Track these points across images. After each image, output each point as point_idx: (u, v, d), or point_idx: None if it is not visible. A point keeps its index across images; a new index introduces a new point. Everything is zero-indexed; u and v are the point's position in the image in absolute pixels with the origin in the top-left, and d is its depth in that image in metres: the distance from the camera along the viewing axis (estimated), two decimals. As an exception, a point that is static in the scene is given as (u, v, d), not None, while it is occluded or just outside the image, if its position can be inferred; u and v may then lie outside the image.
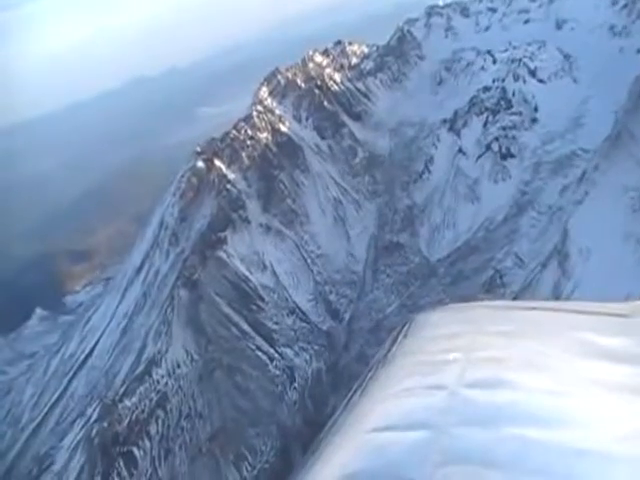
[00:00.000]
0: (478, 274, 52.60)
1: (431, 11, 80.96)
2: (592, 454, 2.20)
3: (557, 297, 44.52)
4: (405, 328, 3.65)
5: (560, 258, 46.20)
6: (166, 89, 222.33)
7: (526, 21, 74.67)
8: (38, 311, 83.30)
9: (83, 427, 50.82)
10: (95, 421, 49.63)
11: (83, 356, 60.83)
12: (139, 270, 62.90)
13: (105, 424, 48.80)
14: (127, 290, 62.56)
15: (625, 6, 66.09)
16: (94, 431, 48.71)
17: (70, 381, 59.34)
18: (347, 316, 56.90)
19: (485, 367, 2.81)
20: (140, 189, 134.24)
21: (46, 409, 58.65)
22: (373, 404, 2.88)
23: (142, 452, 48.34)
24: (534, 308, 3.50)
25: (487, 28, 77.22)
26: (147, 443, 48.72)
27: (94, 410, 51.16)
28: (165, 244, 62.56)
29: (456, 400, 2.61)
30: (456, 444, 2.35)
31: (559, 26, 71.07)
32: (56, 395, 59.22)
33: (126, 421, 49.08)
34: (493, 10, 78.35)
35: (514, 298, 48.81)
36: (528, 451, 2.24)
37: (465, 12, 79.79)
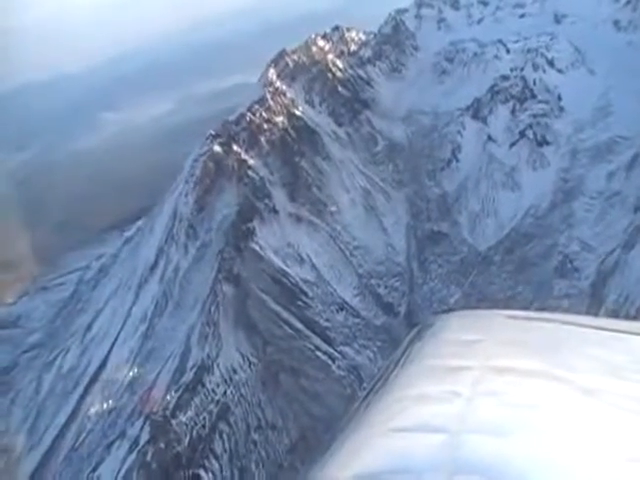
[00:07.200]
0: (545, 260, 50.96)
1: (421, 2, 79.44)
2: (602, 473, 2.25)
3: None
4: (420, 330, 3.71)
5: (650, 239, 45.68)
6: (60, 95, 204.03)
7: (522, 15, 75.17)
8: (-33, 327, 70.93)
9: (131, 450, 42.42)
10: (147, 442, 41.65)
11: (92, 369, 51.66)
12: (153, 267, 54.79)
13: (162, 445, 41.22)
14: (141, 290, 54.20)
15: (629, 2, 68.19)
16: (149, 454, 40.86)
17: (81, 399, 50.05)
18: (402, 309, 52.93)
19: (500, 377, 2.86)
20: (51, 196, 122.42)
21: (52, 434, 49.02)
22: (389, 405, 2.89)
23: (211, 474, 41.27)
24: (551, 320, 3.53)
25: (480, 21, 76.91)
26: (215, 463, 41.67)
27: (141, 430, 43.02)
28: (181, 237, 55.04)
29: (471, 408, 2.63)
30: (470, 453, 2.37)
31: (558, 20, 72.12)
32: (63, 417, 49.71)
33: (186, 440, 41.76)
34: (484, 3, 78.22)
35: (596, 280, 47.79)
36: (538, 466, 2.27)
37: (455, 5, 79.02)
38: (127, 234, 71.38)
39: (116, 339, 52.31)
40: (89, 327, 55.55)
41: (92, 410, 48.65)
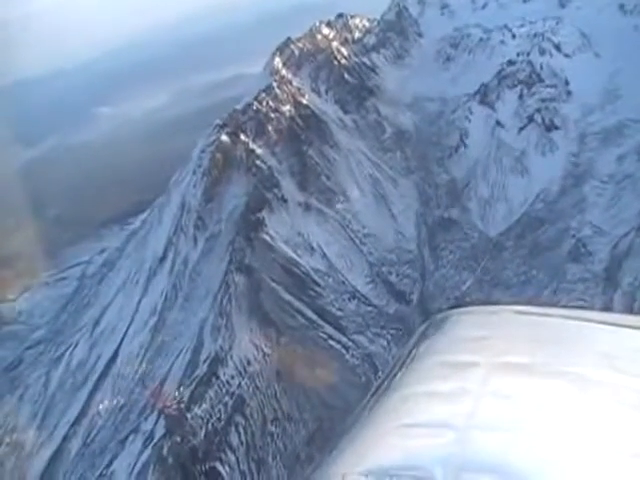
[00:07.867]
0: (558, 244, 50.51)
1: (423, -12, 78.54)
2: (607, 469, 2.26)
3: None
4: (427, 327, 3.72)
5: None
6: (57, 90, 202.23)
7: (525, 0, 74.41)
8: (-32, 323, 69.98)
9: (145, 445, 41.93)
10: (163, 436, 41.15)
11: (102, 364, 51.06)
12: (162, 260, 54.12)
13: (177, 439, 40.72)
14: (149, 283, 53.55)
15: (634, -14, 67.46)
16: (165, 448, 40.36)
17: (91, 394, 49.47)
18: (415, 297, 52.44)
19: (508, 373, 2.87)
20: (51, 190, 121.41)
21: (63, 430, 48.46)
22: (398, 402, 2.90)
23: (227, 467, 40.80)
24: (559, 315, 3.50)
25: (484, 6, 76.01)
26: (231, 456, 41.20)
27: (156, 424, 42.51)
28: (190, 229, 54.36)
29: (479, 405, 2.64)
30: (478, 450, 2.40)
31: (563, 5, 71.35)
32: (74, 412, 49.13)
33: (202, 433, 41.27)
34: (487, -11, 77.32)
35: (610, 264, 47.39)
36: (545, 462, 2.30)
37: (458, -10, 78.12)
38: (132, 227, 70.67)
39: (125, 333, 51.70)
40: (97, 322, 54.88)
41: (103, 405, 48.10)
